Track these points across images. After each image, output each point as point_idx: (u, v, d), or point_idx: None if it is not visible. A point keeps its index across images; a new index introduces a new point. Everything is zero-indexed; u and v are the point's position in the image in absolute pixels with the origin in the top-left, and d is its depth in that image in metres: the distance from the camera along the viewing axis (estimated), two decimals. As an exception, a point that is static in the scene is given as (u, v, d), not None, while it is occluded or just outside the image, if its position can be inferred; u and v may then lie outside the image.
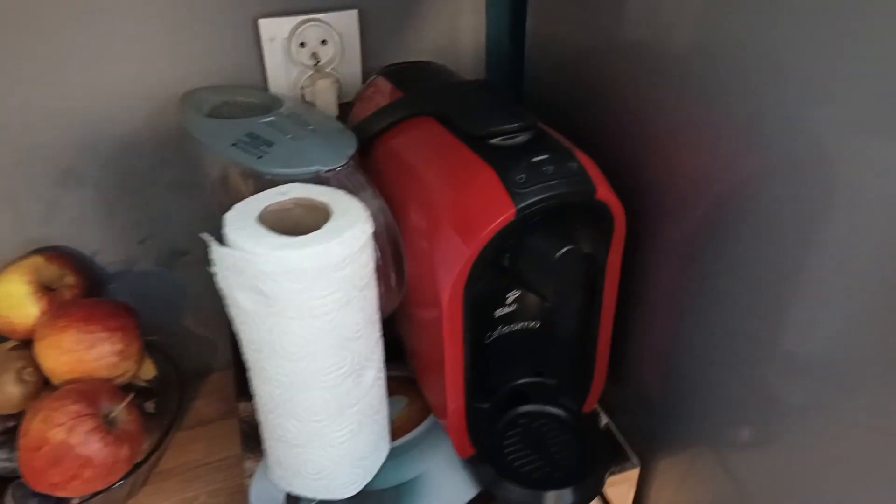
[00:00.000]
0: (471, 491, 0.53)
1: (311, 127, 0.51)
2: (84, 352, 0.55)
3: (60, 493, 0.52)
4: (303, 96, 0.65)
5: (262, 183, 0.47)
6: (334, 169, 0.48)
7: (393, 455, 0.55)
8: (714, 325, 0.46)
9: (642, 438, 0.58)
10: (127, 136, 0.61)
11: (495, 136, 0.46)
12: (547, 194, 0.43)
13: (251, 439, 0.57)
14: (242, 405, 0.61)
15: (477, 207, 0.43)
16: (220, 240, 0.42)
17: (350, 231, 0.41)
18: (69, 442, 0.50)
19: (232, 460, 0.69)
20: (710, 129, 0.42)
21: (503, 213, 0.42)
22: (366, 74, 0.67)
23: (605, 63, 0.52)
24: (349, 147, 0.50)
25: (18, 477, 0.54)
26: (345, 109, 0.65)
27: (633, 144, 0.50)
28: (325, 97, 0.64)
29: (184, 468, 0.67)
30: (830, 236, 0.35)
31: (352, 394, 0.47)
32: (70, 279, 0.61)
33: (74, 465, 0.50)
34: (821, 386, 0.38)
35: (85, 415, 0.51)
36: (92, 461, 0.50)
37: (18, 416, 0.57)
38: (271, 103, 0.55)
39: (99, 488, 0.52)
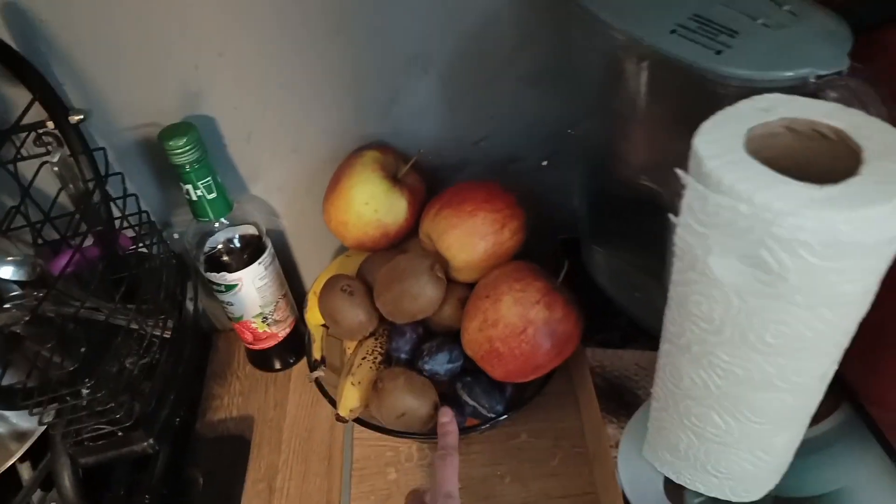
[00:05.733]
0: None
1: (786, 7, 0.35)
2: (497, 233, 0.50)
3: (535, 374, 0.50)
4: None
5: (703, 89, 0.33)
6: (833, 74, 0.32)
7: (801, 452, 0.42)
8: None
9: None
10: (486, 16, 0.49)
11: None
12: None
13: (608, 399, 0.48)
14: (590, 352, 0.51)
15: None
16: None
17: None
18: (553, 317, 0.47)
19: (551, 398, 0.62)
20: None
21: None
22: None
23: None
24: (845, 40, 0.34)
25: (462, 374, 0.52)
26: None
27: None
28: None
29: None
30: None
31: (812, 399, 0.34)
32: (407, 170, 0.55)
33: (561, 341, 0.48)
34: None
35: (553, 289, 0.48)
36: (573, 336, 0.49)
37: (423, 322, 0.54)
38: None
39: (555, 365, 0.51)
